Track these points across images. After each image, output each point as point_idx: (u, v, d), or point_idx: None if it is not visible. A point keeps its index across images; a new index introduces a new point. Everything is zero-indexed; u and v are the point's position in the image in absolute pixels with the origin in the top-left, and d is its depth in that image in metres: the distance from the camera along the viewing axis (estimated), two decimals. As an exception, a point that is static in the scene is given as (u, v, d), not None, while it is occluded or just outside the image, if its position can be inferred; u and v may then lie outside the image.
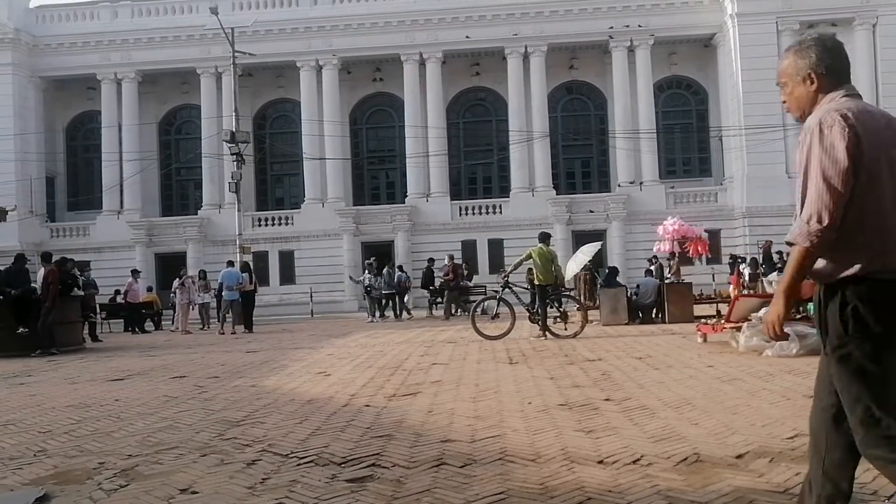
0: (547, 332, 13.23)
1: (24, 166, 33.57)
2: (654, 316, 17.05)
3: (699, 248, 24.96)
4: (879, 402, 2.45)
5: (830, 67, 2.62)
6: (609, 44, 33.28)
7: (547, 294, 13.61)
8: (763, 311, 10.20)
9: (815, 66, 2.63)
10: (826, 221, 2.43)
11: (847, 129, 2.45)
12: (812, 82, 2.64)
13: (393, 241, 32.87)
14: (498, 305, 14.32)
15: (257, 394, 7.84)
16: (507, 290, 14.04)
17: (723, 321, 11.26)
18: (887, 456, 2.42)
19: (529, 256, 13.66)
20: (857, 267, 2.48)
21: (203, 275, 23.21)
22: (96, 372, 10.87)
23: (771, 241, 25.73)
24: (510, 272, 14.04)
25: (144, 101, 35.33)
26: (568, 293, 16.88)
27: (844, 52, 2.68)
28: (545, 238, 14.28)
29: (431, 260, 25.47)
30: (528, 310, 13.95)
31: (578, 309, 14.48)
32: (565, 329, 13.62)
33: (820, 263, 2.54)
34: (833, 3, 31.36)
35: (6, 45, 33.70)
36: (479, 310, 14.73)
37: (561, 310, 14.23)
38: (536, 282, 13.62)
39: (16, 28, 33.76)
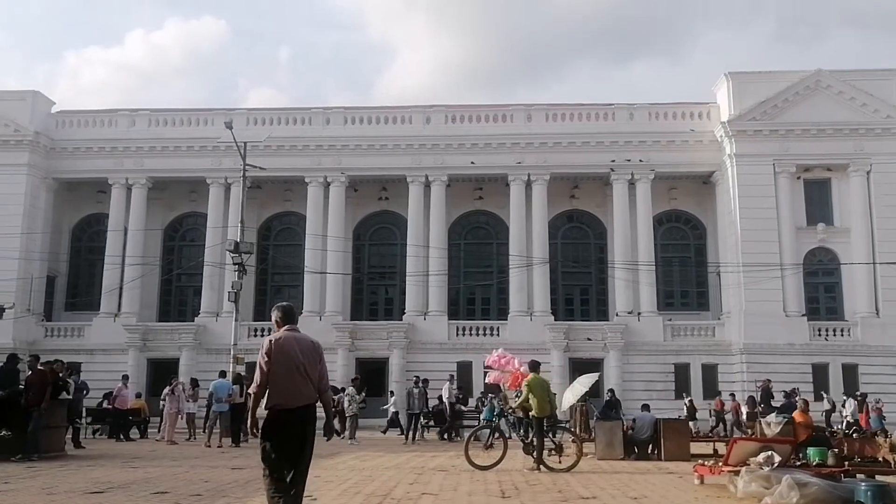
0: (541, 465, 12.91)
1: (28, 264, 33.65)
2: (650, 452, 16.69)
3: (520, 381, 24.00)
4: (271, 471, 6.10)
5: (281, 318, 6.48)
6: (610, 176, 34.07)
7: (543, 426, 13.30)
8: (762, 455, 10.04)
9: (276, 318, 6.52)
10: (257, 384, 6.25)
11: (268, 345, 6.27)
12: (277, 323, 6.49)
13: (388, 359, 32.56)
14: (491, 435, 13.96)
15: (240, 518, 7.58)
16: (502, 418, 13.81)
17: (721, 463, 11.02)
18: (267, 487, 6.14)
19: (530, 390, 13.35)
20: (271, 403, 6.15)
21: (195, 383, 22.87)
22: (75, 483, 10.55)
23: (770, 380, 25.51)
24: (517, 407, 13.86)
25: (152, 206, 35.86)
26: (563, 425, 16.56)
27: (289, 309, 6.57)
28: (536, 367, 14.04)
29: (425, 381, 24.22)
30: (522, 440, 13.63)
31: (574, 441, 14.17)
32: (560, 462, 13.29)
33: (267, 402, 6.17)
34: (828, 149, 32.33)
35: (24, 146, 34.51)
36: (472, 438, 14.42)
37: (556, 441, 13.88)
38: (533, 413, 13.27)
39: (36, 131, 34.64)
